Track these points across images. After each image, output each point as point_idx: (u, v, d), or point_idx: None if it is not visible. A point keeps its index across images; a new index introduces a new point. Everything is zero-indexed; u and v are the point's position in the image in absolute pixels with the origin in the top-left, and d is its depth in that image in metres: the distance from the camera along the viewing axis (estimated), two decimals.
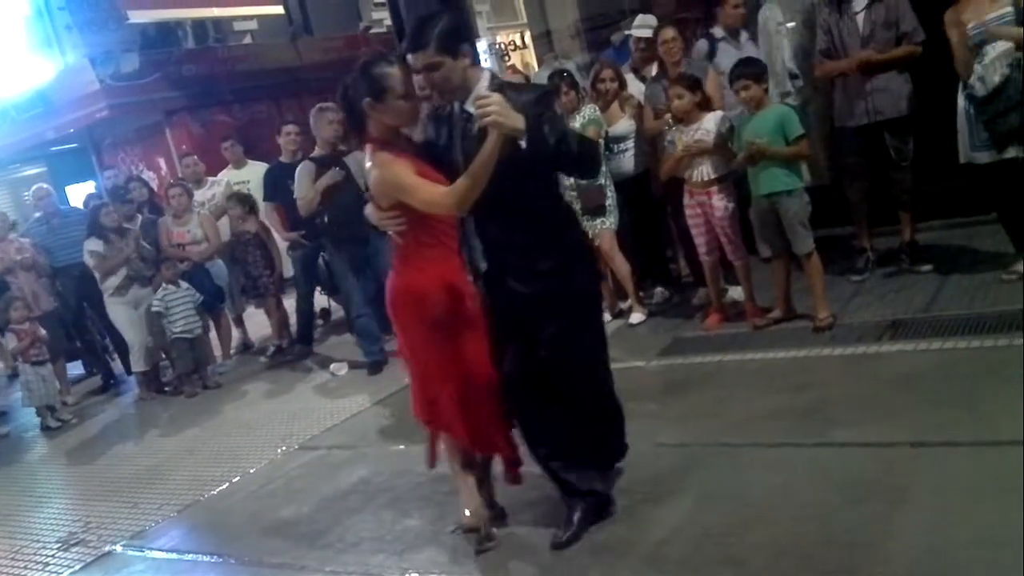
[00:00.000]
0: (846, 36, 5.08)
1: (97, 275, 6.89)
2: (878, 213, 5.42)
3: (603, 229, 5.67)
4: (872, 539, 2.65)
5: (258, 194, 7.11)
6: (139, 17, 12.49)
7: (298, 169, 6.14)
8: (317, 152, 6.22)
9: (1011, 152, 4.40)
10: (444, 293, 2.97)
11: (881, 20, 4.99)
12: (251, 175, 7.57)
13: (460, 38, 2.90)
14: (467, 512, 3.24)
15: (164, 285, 6.75)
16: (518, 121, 2.69)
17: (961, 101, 4.56)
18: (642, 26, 6.07)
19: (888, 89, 5.01)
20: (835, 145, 5.63)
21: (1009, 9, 4.34)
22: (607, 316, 5.86)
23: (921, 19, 4.93)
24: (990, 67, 4.34)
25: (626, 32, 6.56)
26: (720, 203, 4.96)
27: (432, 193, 2.82)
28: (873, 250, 5.40)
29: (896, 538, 2.63)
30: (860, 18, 5.05)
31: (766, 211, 4.81)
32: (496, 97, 2.70)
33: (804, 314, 4.85)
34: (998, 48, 4.34)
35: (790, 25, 6.34)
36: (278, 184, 6.73)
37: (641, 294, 5.89)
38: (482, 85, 2.90)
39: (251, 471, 4.76)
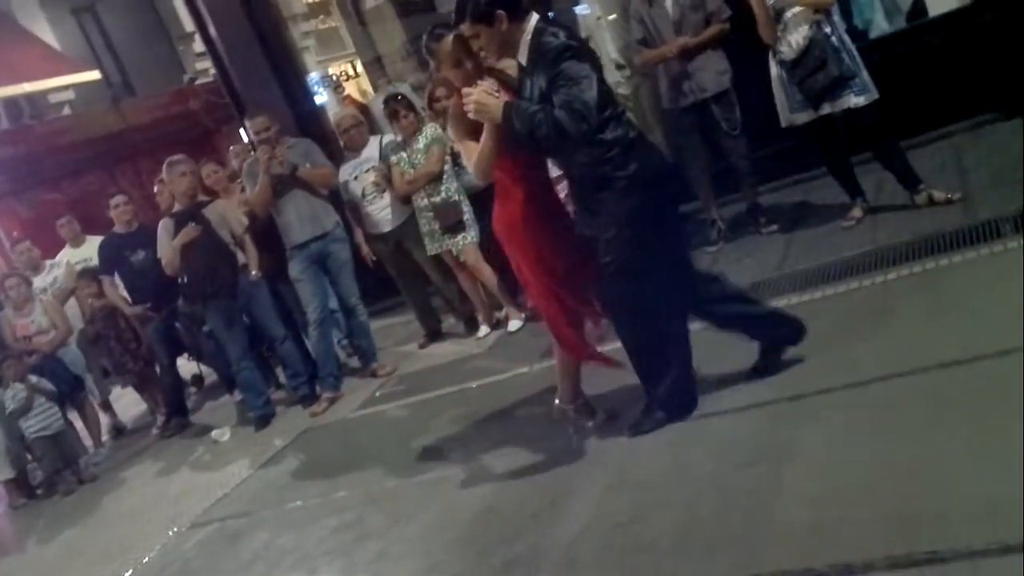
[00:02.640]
0: (659, 23, 5.29)
1: None
2: (720, 184, 5.66)
3: (466, 244, 5.69)
4: (767, 499, 2.73)
5: None
6: None
7: (158, 229, 5.89)
8: (176, 207, 5.96)
9: (826, 108, 4.68)
10: (529, 219, 3.44)
11: (688, 4, 5.22)
12: (92, 251, 7.17)
13: (492, 7, 3.23)
14: (557, 400, 3.82)
15: (11, 384, 6.27)
16: (495, 112, 3.17)
17: (773, 68, 4.82)
18: None
19: (707, 68, 5.25)
20: (668, 126, 5.85)
21: None
22: (484, 328, 5.89)
23: None
24: (792, 31, 4.61)
25: None
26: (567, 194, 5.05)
27: (468, 158, 3.53)
28: (722, 219, 5.63)
29: (789, 493, 2.72)
30: (669, 4, 5.26)
31: None
32: (476, 92, 3.20)
33: None
34: (796, 11, 4.61)
35: (611, 17, 6.55)
36: (116, 256, 6.50)
37: (515, 301, 5.92)
38: (525, 40, 3.25)
39: (144, 560, 4.48)
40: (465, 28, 3.30)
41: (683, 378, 3.49)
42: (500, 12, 3.23)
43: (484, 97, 3.19)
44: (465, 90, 3.23)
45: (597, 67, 3.28)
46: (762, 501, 2.73)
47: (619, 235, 3.31)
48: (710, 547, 2.61)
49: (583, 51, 3.25)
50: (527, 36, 3.26)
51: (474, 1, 3.26)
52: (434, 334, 6.30)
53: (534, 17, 3.28)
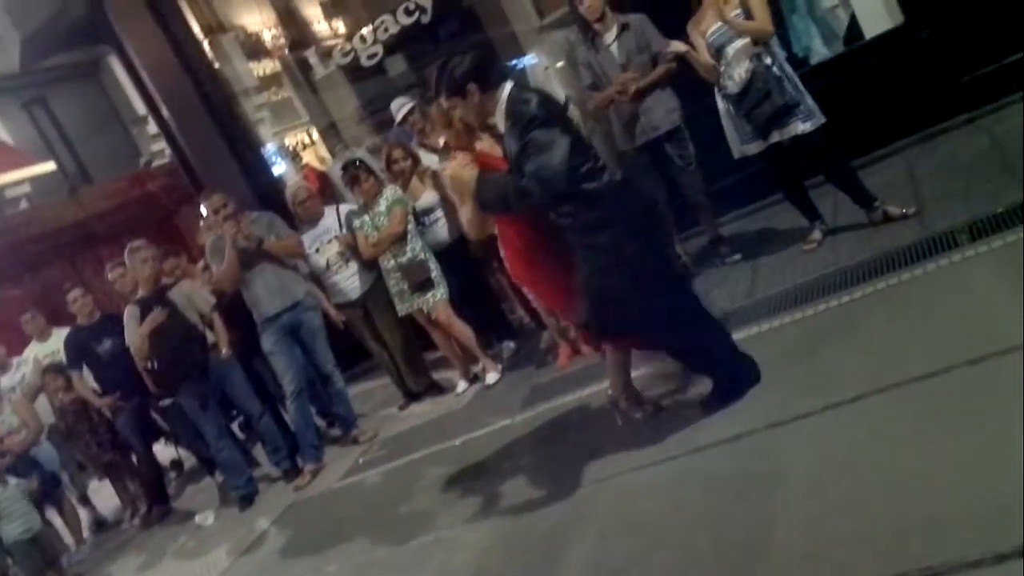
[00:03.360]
0: (607, 67, 5.39)
1: None
2: (680, 219, 5.74)
3: (436, 301, 5.69)
4: (759, 528, 2.73)
5: None
6: None
7: (125, 317, 5.81)
8: (140, 293, 5.89)
9: (775, 136, 4.78)
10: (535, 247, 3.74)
11: (633, 46, 5.34)
12: (60, 343, 7.06)
13: (462, 81, 3.43)
14: (610, 391, 4.06)
15: None
16: (468, 185, 3.52)
17: (720, 103, 4.93)
18: (396, 109, 6.35)
19: (657, 106, 5.35)
20: (625, 167, 5.93)
21: (739, 11, 4.74)
22: (462, 384, 5.86)
23: (669, 36, 5.30)
24: (734, 66, 4.72)
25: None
26: None
27: (463, 217, 3.96)
28: (685, 254, 5.69)
29: (780, 519, 2.72)
30: (614, 48, 5.38)
31: None
32: (450, 167, 3.68)
33: None
34: (737, 46, 4.73)
35: (559, 66, 6.67)
36: (82, 349, 6.45)
37: (490, 353, 5.92)
38: (500, 109, 3.43)
39: None
40: (443, 102, 3.54)
41: (733, 354, 3.70)
42: (471, 86, 3.42)
43: (457, 171, 3.48)
44: (442, 165, 3.48)
45: (568, 127, 3.46)
46: (754, 531, 2.72)
47: (615, 272, 3.46)
48: None
49: (554, 115, 3.41)
50: (502, 105, 3.42)
51: (447, 77, 3.44)
52: (412, 395, 6.26)
53: (507, 85, 3.44)
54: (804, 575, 2.41)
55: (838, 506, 2.65)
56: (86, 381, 6.57)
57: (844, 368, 3.45)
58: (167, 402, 6.05)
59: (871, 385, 3.18)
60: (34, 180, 13.45)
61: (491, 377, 5.71)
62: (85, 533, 7.12)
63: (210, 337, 5.92)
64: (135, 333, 5.72)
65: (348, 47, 8.09)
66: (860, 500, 2.62)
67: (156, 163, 14.01)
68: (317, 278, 6.09)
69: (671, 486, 3.30)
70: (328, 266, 6.00)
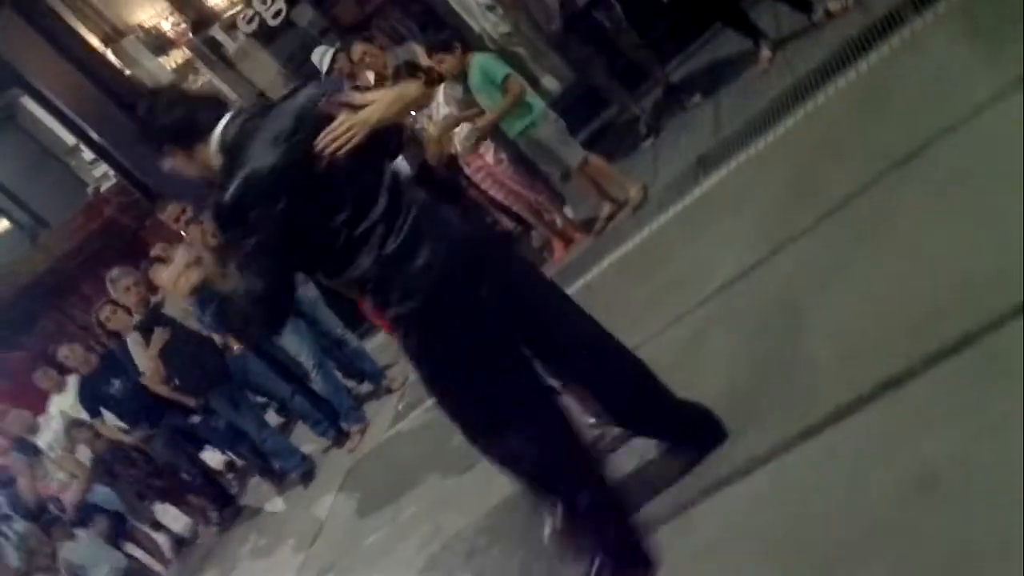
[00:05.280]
0: None
1: None
2: (630, 81, 5.67)
3: None
4: (789, 350, 2.80)
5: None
6: None
7: (129, 346, 5.82)
8: (135, 319, 5.90)
9: None
10: None
11: None
12: (75, 391, 7.11)
13: (157, 137, 2.51)
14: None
15: (60, 544, 6.26)
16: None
17: None
18: (319, 61, 6.21)
19: None
20: (561, 48, 5.84)
21: None
22: None
23: None
24: None
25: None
26: (495, 157, 5.09)
27: None
28: (644, 112, 5.65)
29: (806, 336, 2.79)
30: None
31: (529, 146, 4.96)
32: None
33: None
34: None
35: None
36: (95, 397, 6.47)
37: None
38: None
39: None
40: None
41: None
42: (168, 147, 2.49)
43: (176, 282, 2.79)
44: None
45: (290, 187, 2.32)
46: (787, 354, 2.79)
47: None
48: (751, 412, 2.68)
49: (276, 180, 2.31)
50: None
51: (143, 126, 2.57)
52: None
53: (213, 141, 2.40)
54: (844, 377, 2.48)
55: (859, 305, 2.70)
56: (110, 425, 6.62)
57: (829, 176, 3.47)
58: (196, 419, 6.13)
59: (859, 184, 3.19)
60: None
61: None
62: (168, 555, 7.31)
63: (217, 339, 5.94)
64: (145, 358, 5.74)
65: (250, 12, 7.87)
66: (879, 292, 2.66)
67: (104, 187, 13.74)
68: None
69: (696, 337, 3.37)
70: None
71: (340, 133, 2.31)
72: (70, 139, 13.08)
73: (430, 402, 5.23)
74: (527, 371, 2.47)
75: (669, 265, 4.10)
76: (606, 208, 5.15)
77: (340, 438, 6.00)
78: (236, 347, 5.87)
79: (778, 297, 3.11)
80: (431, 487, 4.35)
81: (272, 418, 6.96)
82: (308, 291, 5.90)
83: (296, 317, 5.85)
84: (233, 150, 2.36)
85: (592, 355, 2.62)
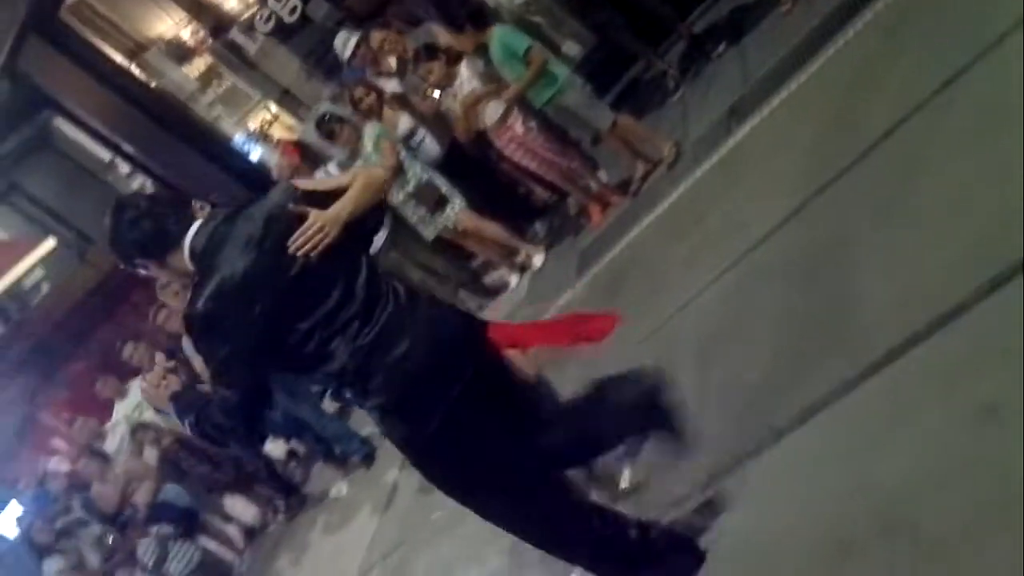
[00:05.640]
0: None
1: None
2: (652, 37, 5.62)
3: (457, 213, 5.71)
4: (841, 292, 2.78)
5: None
6: None
7: (185, 349, 5.94)
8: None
9: None
10: None
11: None
12: (138, 396, 7.30)
13: (128, 252, 2.48)
14: None
15: (139, 542, 6.48)
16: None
17: None
18: (342, 47, 6.22)
19: None
20: (581, 15, 5.80)
21: None
22: (513, 278, 5.94)
23: None
24: None
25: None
26: (523, 127, 5.08)
27: None
28: (669, 66, 5.60)
29: (858, 275, 2.77)
30: None
31: (558, 114, 4.96)
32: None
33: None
34: None
35: None
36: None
37: (527, 238, 5.98)
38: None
39: None
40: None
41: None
42: (140, 260, 2.48)
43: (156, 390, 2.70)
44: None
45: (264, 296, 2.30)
46: (839, 296, 2.78)
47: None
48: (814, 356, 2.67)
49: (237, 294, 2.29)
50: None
51: (120, 251, 2.49)
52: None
53: (184, 248, 2.38)
54: (898, 315, 2.45)
55: (908, 241, 2.66)
56: (174, 423, 6.77)
57: (864, 112, 3.41)
58: None
59: (895, 117, 3.14)
60: (43, 262, 13.58)
61: (537, 261, 5.77)
62: (240, 545, 7.51)
63: None
64: (198, 360, 5.87)
65: (266, 12, 7.91)
66: (928, 226, 2.63)
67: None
68: None
69: (742, 291, 3.36)
70: None
71: (312, 234, 2.29)
72: (105, 155, 13.32)
73: None
74: (512, 452, 2.41)
75: (709, 219, 4.08)
76: (640, 168, 5.13)
77: None
78: None
79: (823, 241, 3.08)
80: None
81: (329, 405, 7.08)
82: None
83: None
84: (204, 258, 2.36)
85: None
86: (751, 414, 2.73)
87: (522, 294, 5.76)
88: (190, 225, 2.40)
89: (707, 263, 3.73)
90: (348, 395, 2.46)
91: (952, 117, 2.90)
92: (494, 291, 6.22)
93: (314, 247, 2.29)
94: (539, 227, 6.12)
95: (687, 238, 4.14)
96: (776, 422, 2.56)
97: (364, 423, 6.60)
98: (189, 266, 2.39)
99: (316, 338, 2.32)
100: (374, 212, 2.53)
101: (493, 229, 5.77)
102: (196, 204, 2.56)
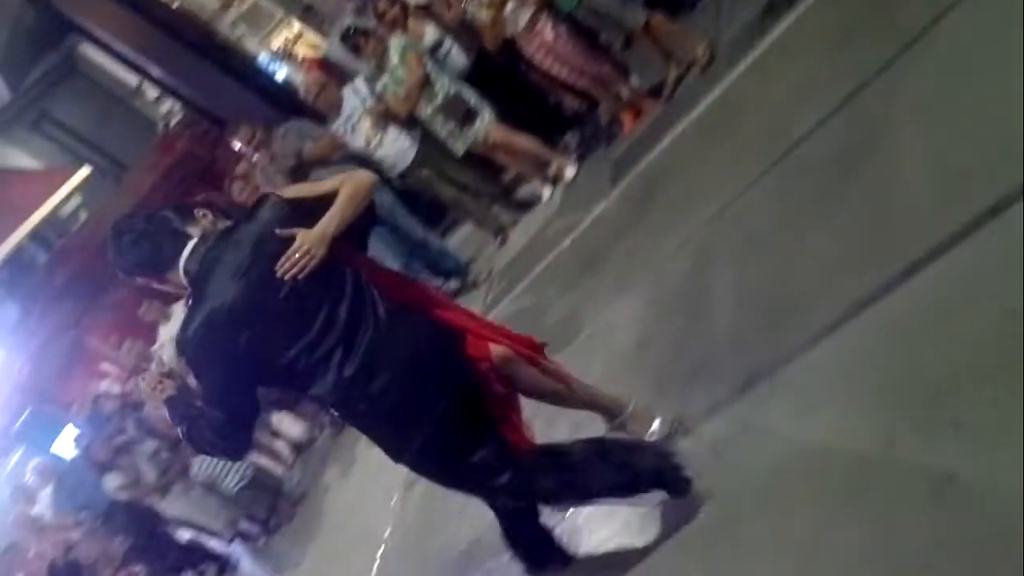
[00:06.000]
0: None
1: (140, 496, 6.92)
2: None
3: (487, 125, 5.63)
4: (883, 184, 2.72)
5: None
6: None
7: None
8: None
9: None
10: None
11: None
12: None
13: (130, 272, 2.63)
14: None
15: (192, 459, 6.74)
16: None
17: None
18: None
19: None
20: None
21: None
22: (546, 191, 5.88)
23: None
24: None
25: None
26: (553, 33, 4.96)
27: None
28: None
29: (904, 181, 2.70)
30: None
31: (588, 16, 4.82)
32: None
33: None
34: None
35: None
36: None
37: (559, 149, 5.90)
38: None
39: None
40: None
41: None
42: (140, 280, 2.63)
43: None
44: None
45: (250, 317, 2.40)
46: (881, 188, 2.72)
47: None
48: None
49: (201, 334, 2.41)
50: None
51: (123, 267, 2.61)
52: (502, 227, 6.32)
53: (180, 270, 2.51)
54: (943, 210, 2.41)
55: (951, 135, 2.60)
56: None
57: (907, 3, 3.28)
58: None
59: (936, 10, 3.01)
60: (79, 189, 13.75)
61: (569, 172, 5.71)
62: (289, 460, 7.77)
63: None
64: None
65: None
66: (971, 120, 2.56)
67: (173, 122, 14.02)
68: (366, 161, 6.09)
69: (781, 193, 3.30)
70: (368, 143, 5.97)
71: (298, 258, 2.36)
72: (133, 80, 13.30)
73: (519, 289, 5.37)
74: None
75: (745, 121, 3.99)
76: (673, 71, 5.00)
77: None
78: None
79: (863, 140, 3.01)
80: None
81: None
82: (383, 197, 5.95)
83: (379, 227, 5.94)
84: (196, 282, 2.46)
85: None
86: (791, 315, 2.72)
87: (555, 207, 5.72)
88: (185, 246, 2.51)
89: (744, 166, 3.66)
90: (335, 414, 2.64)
91: (991, 11, 2.77)
92: (527, 205, 6.19)
93: (301, 270, 2.37)
94: (570, 137, 6.03)
95: (723, 142, 4.06)
96: (817, 322, 2.55)
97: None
98: (186, 284, 2.51)
99: (302, 364, 2.42)
100: (366, 212, 2.60)
101: (524, 141, 5.70)
102: (199, 212, 2.65)
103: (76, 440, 9.39)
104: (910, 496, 1.92)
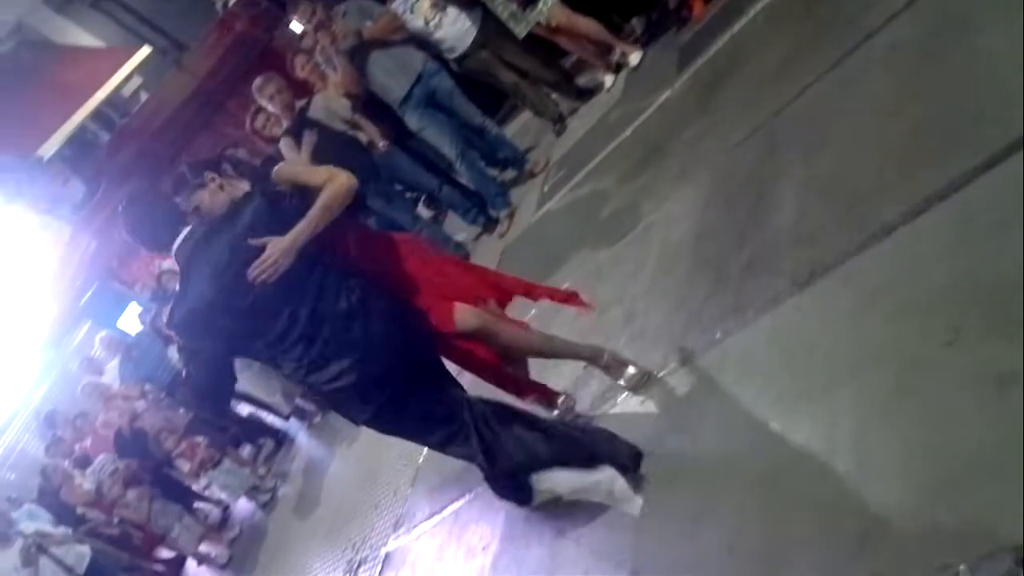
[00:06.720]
0: None
1: None
2: None
3: (550, 7, 5.46)
4: (961, 79, 2.58)
5: None
6: (49, 148, 12.34)
7: (283, 152, 5.69)
8: (284, 124, 5.98)
9: None
10: None
11: None
12: None
13: (152, 242, 3.04)
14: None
15: None
16: None
17: None
18: None
19: None
20: None
21: None
22: (608, 78, 5.72)
23: None
24: None
25: None
26: None
27: None
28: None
29: (983, 75, 2.56)
30: None
31: None
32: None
33: None
34: None
35: None
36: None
37: (623, 35, 5.72)
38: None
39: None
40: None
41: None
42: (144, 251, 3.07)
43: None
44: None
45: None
46: (959, 81, 2.60)
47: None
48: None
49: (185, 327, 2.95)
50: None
51: (146, 238, 3.04)
52: (560, 116, 6.19)
53: (172, 252, 2.94)
54: (1006, 116, 2.29)
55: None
56: None
57: None
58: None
59: None
60: (139, 69, 13.82)
61: (634, 58, 5.53)
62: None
63: (362, 137, 6.08)
64: (298, 163, 5.96)
65: None
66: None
67: (232, 1, 13.87)
68: (425, 43, 5.97)
69: (852, 86, 3.16)
70: (427, 23, 5.84)
71: (267, 267, 2.67)
72: None
73: (577, 179, 5.31)
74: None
75: (820, 9, 3.80)
76: None
77: (490, 225, 6.16)
78: (382, 144, 6.02)
79: (939, 32, 2.87)
80: (584, 261, 4.45)
81: (423, 211, 7.21)
82: (443, 82, 5.86)
83: (435, 110, 5.88)
84: (184, 269, 2.86)
85: None
86: (858, 210, 2.65)
87: (617, 95, 5.58)
88: (179, 234, 2.88)
89: (816, 56, 3.52)
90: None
91: None
92: (588, 93, 6.04)
93: (268, 277, 2.69)
94: (636, 23, 5.82)
95: (800, 28, 3.89)
96: (885, 217, 2.48)
97: (457, 229, 6.73)
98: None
99: (268, 353, 2.81)
100: (353, 198, 2.89)
101: (588, 25, 5.52)
102: (208, 175, 2.92)
103: (140, 316, 9.77)
104: (971, 393, 1.89)
